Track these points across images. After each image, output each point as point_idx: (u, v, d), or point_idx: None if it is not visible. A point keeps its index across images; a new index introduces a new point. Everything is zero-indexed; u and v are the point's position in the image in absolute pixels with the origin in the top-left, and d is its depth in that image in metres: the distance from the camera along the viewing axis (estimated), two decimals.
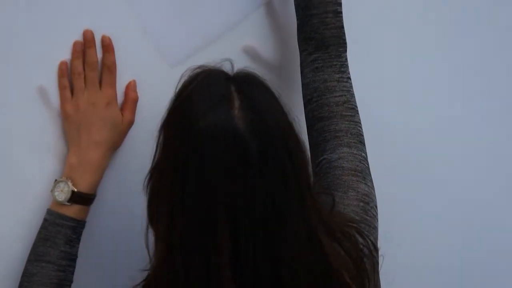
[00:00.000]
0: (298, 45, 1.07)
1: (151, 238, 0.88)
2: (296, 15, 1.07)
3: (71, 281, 1.04)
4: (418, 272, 1.31)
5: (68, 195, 1.02)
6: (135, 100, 1.09)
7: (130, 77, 1.09)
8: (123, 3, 1.08)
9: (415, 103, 1.28)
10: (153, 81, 1.10)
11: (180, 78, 0.88)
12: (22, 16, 1.04)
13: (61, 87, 1.06)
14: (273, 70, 1.14)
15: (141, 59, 1.10)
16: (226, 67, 0.88)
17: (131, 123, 1.09)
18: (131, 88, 1.09)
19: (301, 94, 1.06)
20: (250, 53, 1.14)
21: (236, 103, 0.81)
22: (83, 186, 1.04)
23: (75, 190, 1.03)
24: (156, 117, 0.88)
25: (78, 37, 1.06)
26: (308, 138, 1.03)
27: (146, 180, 0.87)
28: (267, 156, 0.80)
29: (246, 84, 0.85)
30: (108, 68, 1.06)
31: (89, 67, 1.06)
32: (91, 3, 1.06)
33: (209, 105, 0.81)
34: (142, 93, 1.10)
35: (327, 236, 0.86)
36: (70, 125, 1.06)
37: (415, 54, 1.27)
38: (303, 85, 1.06)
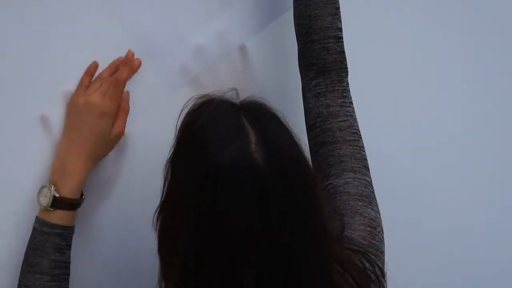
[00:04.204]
0: (300, 71, 1.07)
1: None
2: (297, 41, 1.07)
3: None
4: None
5: (50, 200, 1.00)
6: (127, 111, 1.08)
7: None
8: (121, 30, 1.09)
9: (418, 127, 1.29)
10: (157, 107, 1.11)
11: (182, 109, 0.86)
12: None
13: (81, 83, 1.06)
14: (275, 96, 1.13)
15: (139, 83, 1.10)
16: (231, 95, 0.87)
17: (120, 135, 1.07)
18: (124, 99, 1.07)
19: (304, 119, 1.06)
20: (250, 76, 1.15)
21: (252, 137, 0.80)
22: (66, 191, 1.01)
23: (57, 195, 1.00)
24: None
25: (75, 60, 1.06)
26: (312, 162, 1.02)
27: (156, 216, 0.86)
28: (287, 193, 0.79)
29: (258, 116, 0.83)
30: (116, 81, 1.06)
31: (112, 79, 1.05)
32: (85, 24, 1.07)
33: (225, 141, 0.79)
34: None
35: (338, 267, 0.86)
36: (70, 116, 1.04)
37: (417, 78, 1.28)
38: (305, 110, 1.06)
